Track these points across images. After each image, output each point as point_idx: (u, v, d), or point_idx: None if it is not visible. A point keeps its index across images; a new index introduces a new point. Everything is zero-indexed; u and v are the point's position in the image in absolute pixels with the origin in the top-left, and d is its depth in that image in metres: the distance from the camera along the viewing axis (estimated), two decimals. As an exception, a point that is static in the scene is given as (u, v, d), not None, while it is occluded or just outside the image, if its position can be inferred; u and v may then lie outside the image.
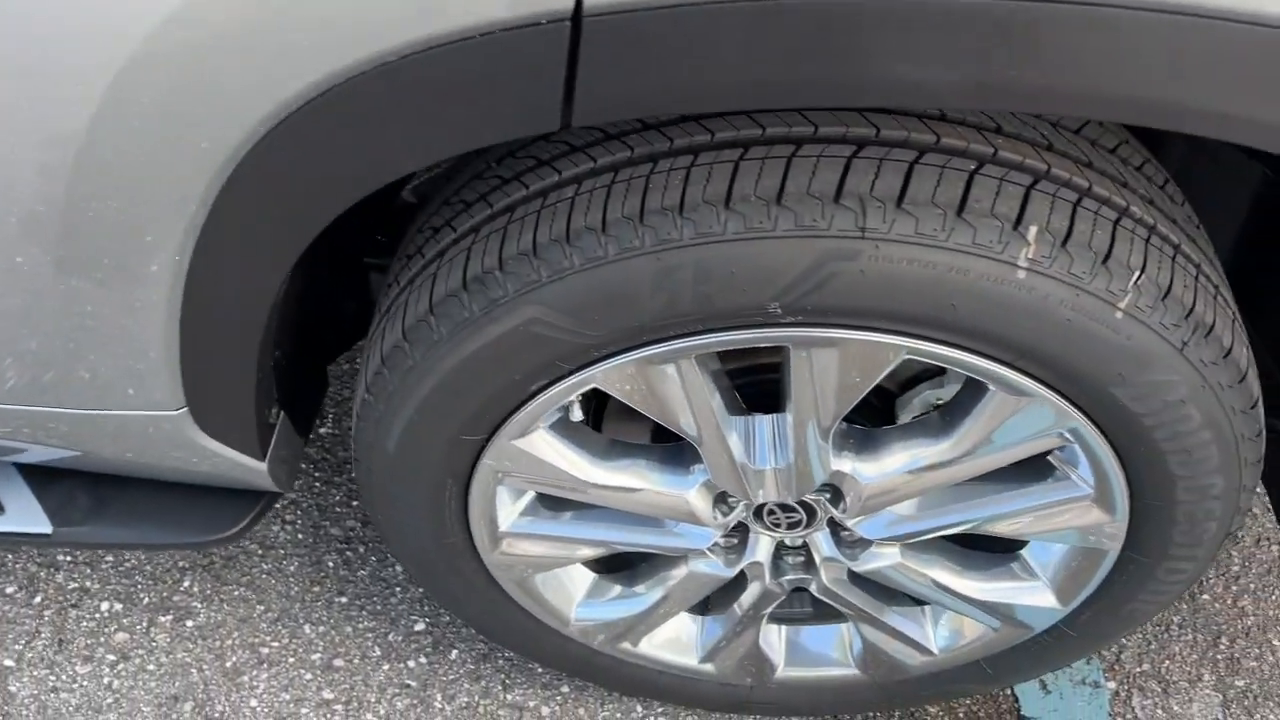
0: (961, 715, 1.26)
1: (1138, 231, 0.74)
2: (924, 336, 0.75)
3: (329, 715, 1.23)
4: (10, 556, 1.32)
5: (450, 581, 1.04)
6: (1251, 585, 1.38)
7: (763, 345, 0.79)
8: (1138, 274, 0.73)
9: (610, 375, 0.81)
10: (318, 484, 1.42)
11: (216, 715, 1.22)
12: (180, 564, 1.33)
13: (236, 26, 0.60)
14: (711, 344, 0.78)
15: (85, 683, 1.24)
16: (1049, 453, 0.90)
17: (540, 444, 0.89)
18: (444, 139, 0.65)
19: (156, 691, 1.24)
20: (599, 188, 0.74)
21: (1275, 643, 1.33)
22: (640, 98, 0.63)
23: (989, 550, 1.04)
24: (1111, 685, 1.29)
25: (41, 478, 1.04)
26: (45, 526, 1.03)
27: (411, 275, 0.83)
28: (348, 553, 1.36)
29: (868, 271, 0.71)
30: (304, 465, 1.42)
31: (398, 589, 1.33)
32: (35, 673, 1.24)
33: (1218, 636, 1.33)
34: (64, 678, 1.24)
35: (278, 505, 1.38)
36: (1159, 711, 1.28)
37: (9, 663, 1.25)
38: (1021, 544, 1.01)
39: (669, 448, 0.95)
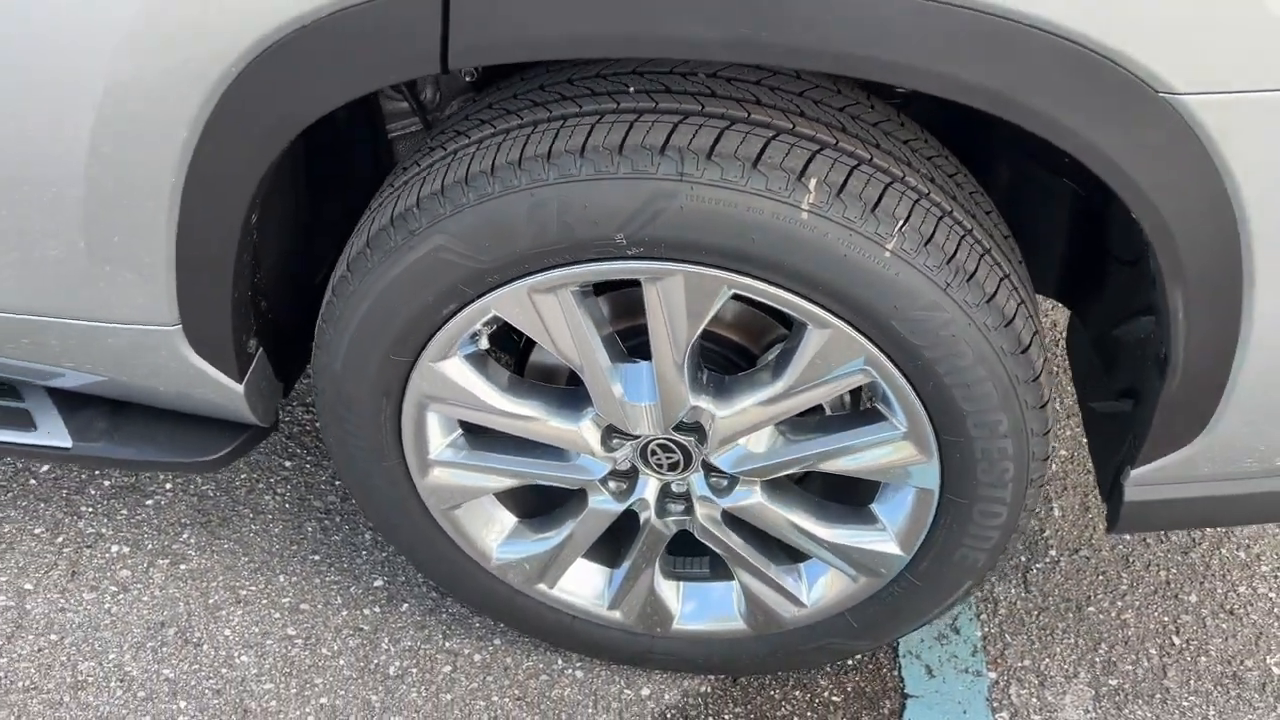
0: (850, 690, 1.40)
1: (907, 194, 0.95)
2: (737, 270, 0.96)
3: (289, 647, 1.41)
4: (42, 502, 1.55)
5: (389, 510, 1.24)
6: (1136, 602, 1.50)
7: (615, 278, 1.00)
8: (902, 223, 0.93)
9: (504, 302, 1.03)
10: (307, 465, 1.63)
11: (195, 640, 1.42)
12: (182, 519, 1.55)
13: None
14: (579, 274, 0.99)
15: (89, 607, 1.44)
16: (870, 399, 1.09)
17: (456, 370, 1.10)
18: (359, 79, 0.90)
19: (147, 618, 1.44)
20: (491, 144, 0.97)
21: (1152, 651, 1.45)
22: (495, 47, 0.87)
23: (843, 503, 1.21)
24: (992, 675, 1.42)
25: (68, 402, 1.28)
26: (67, 442, 1.26)
27: (360, 221, 1.07)
28: (325, 522, 1.56)
29: (685, 208, 0.93)
30: (295, 448, 1.65)
31: (364, 553, 1.52)
32: (49, 596, 1.45)
33: (1098, 642, 1.45)
34: (72, 601, 1.45)
35: (271, 479, 1.60)
36: (1034, 700, 1.40)
37: (28, 586, 1.46)
38: (871, 497, 1.18)
39: (568, 389, 1.16)
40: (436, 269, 1.01)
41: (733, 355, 1.16)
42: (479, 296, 1.03)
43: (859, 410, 1.17)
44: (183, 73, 0.91)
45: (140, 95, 0.94)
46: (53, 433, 1.27)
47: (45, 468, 1.60)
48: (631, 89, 0.97)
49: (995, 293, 0.98)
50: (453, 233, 0.98)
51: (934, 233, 0.95)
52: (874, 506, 1.18)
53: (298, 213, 1.18)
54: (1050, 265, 1.25)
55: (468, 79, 1.18)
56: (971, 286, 0.96)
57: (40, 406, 1.29)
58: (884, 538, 1.17)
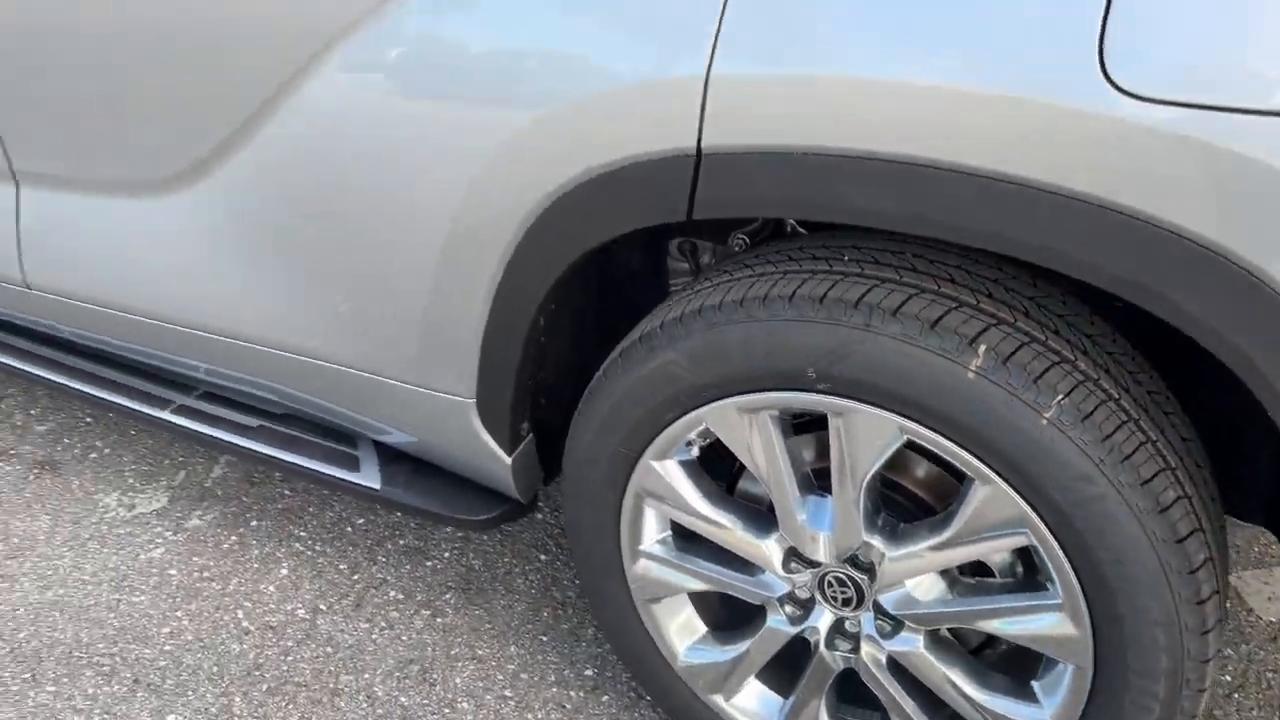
0: None
1: (1073, 374, 1.06)
2: (908, 415, 1.10)
3: (503, 705, 1.62)
4: (351, 546, 1.91)
5: (601, 583, 1.44)
6: None
7: (804, 408, 1.18)
8: (1062, 396, 1.05)
9: (714, 415, 1.23)
10: (557, 562, 1.88)
11: (431, 680, 1.66)
12: (449, 582, 1.83)
13: (535, 157, 1.18)
14: (774, 399, 1.18)
15: (361, 634, 1.74)
16: (1030, 565, 1.16)
17: (670, 471, 1.31)
18: (619, 221, 1.17)
19: (400, 654, 1.71)
20: (724, 286, 1.20)
21: None
22: (731, 204, 1.11)
23: (1007, 674, 1.26)
24: None
25: (385, 453, 1.62)
26: (376, 484, 1.60)
27: (624, 339, 1.33)
28: (559, 611, 1.79)
29: (868, 354, 1.09)
30: (552, 546, 1.90)
31: (583, 645, 1.72)
32: (334, 618, 1.77)
33: None
34: (350, 626, 1.76)
35: (526, 566, 1.86)
36: None
37: (323, 606, 1.79)
38: (1033, 674, 1.23)
39: (762, 511, 1.33)
40: (665, 380, 1.23)
41: (916, 508, 1.28)
42: (694, 408, 1.23)
43: (1025, 575, 1.24)
44: (512, 204, 1.23)
45: (481, 218, 1.26)
46: (368, 476, 1.61)
47: (361, 520, 1.96)
48: (846, 257, 1.17)
49: (1151, 479, 1.05)
50: (682, 351, 1.21)
51: (1093, 412, 1.04)
52: (1035, 683, 1.22)
53: (583, 328, 1.46)
54: (1256, 489, 1.27)
55: (737, 247, 1.44)
56: (1126, 468, 1.04)
57: (366, 455, 1.64)
58: (1038, 716, 1.21)
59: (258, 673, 1.67)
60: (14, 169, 1.68)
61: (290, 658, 1.70)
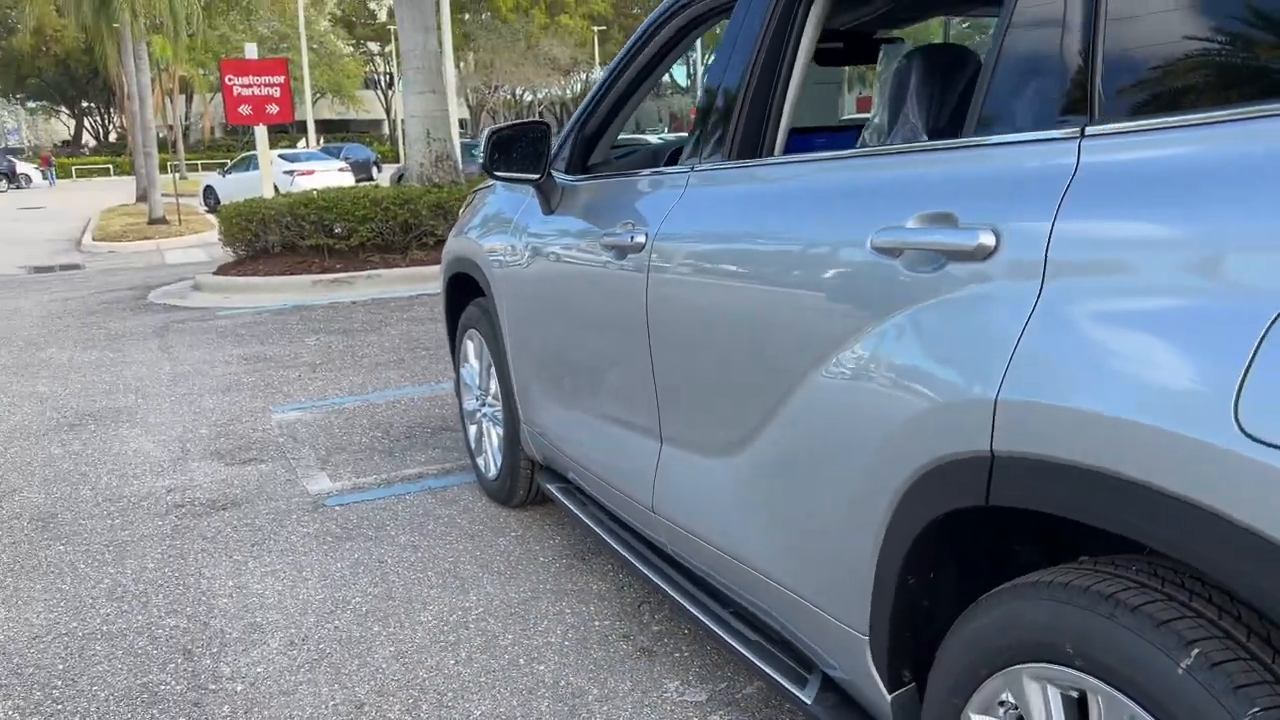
0: None
1: (1273, 693, 1.18)
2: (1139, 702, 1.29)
3: None
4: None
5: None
6: None
7: (1068, 683, 1.39)
8: (1257, 709, 1.17)
9: (1012, 677, 1.50)
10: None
11: None
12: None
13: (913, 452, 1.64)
14: (1047, 671, 1.42)
15: (785, 832, 2.13)
16: None
17: (987, 724, 1.57)
18: (946, 500, 1.55)
19: None
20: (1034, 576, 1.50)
21: None
22: (1021, 498, 1.44)
23: None
24: None
25: (828, 682, 2.06)
26: (808, 700, 2.04)
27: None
28: None
29: (1120, 647, 1.32)
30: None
31: None
32: None
33: None
34: (780, 824, 2.15)
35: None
36: None
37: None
38: None
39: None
40: (984, 643, 1.54)
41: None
42: (1001, 669, 1.52)
43: None
44: (896, 478, 1.69)
45: (878, 483, 1.74)
46: (807, 694, 2.06)
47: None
48: (1118, 563, 1.41)
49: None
50: (995, 618, 1.52)
51: (1276, 724, 1.15)
52: None
53: (955, 592, 1.77)
54: None
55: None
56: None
57: (813, 680, 2.09)
58: None
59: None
60: (662, 433, 2.57)
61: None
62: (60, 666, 2.93)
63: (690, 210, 2.41)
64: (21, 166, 44.37)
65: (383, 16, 53.25)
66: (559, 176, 3.20)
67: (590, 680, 2.74)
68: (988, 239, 1.52)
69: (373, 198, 10.59)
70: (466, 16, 50.05)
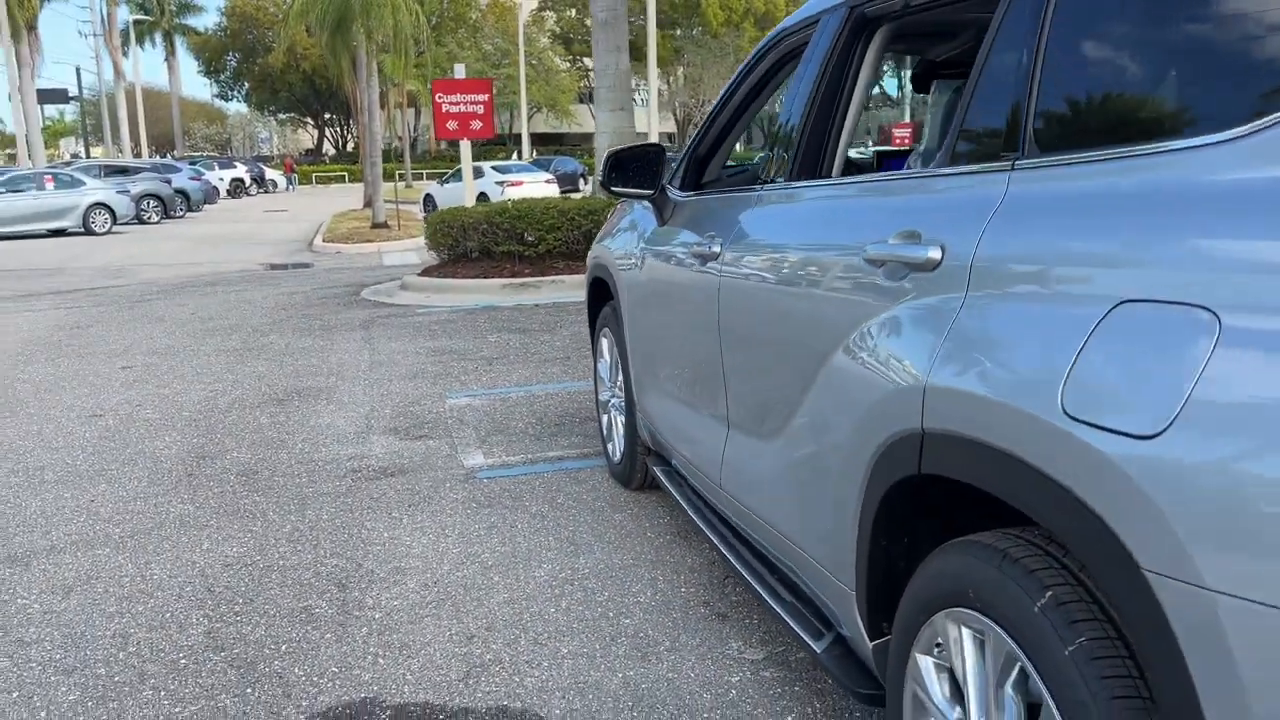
0: None
1: (1098, 622, 1.44)
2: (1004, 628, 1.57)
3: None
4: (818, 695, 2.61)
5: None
6: None
7: (978, 629, 1.68)
8: (1084, 639, 1.44)
9: (941, 623, 1.78)
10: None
11: (815, 807, 2.29)
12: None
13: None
14: (959, 615, 1.71)
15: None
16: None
17: (927, 665, 1.86)
18: (897, 471, 1.85)
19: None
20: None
21: None
22: (938, 467, 1.73)
23: None
24: None
25: (841, 641, 2.37)
26: (819, 650, 2.35)
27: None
28: None
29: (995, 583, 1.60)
30: None
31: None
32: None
33: None
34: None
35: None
36: None
37: (759, 657, 2.53)
38: None
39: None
40: (922, 593, 1.84)
41: None
42: (932, 614, 1.81)
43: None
44: (870, 448, 2.00)
45: (859, 451, 2.04)
46: (819, 646, 2.37)
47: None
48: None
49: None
50: (930, 572, 1.81)
51: (1096, 653, 1.41)
52: None
53: (920, 554, 2.05)
54: None
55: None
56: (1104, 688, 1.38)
57: (830, 636, 2.40)
58: None
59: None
60: (729, 419, 2.94)
61: None
62: (243, 588, 3.58)
63: (752, 224, 2.77)
64: (270, 173, 48.70)
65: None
66: (672, 192, 3.61)
67: (665, 634, 3.13)
68: (935, 253, 1.82)
69: (560, 208, 11.31)
70: (678, 32, 51.15)
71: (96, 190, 23.90)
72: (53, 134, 77.67)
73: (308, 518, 4.27)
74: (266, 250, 18.57)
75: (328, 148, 72.89)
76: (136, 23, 57.10)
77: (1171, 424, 1.26)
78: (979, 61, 1.91)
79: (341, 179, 55.48)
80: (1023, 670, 1.57)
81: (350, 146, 67.56)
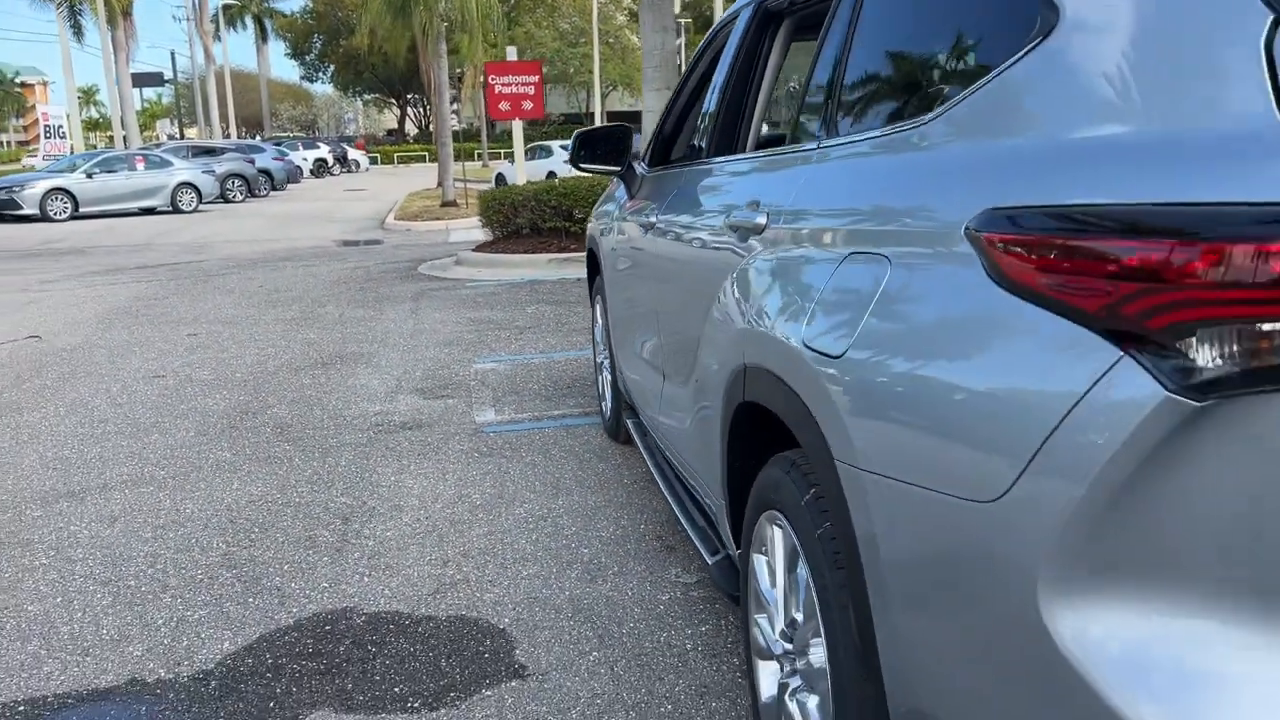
0: None
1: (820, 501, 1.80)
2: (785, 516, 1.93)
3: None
4: (708, 602, 2.98)
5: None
6: None
7: (780, 526, 2.04)
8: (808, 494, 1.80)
9: (763, 524, 2.15)
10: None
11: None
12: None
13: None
14: (770, 516, 2.08)
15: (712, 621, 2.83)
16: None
17: (757, 560, 2.23)
18: (738, 396, 2.21)
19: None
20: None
21: None
22: (752, 394, 2.10)
23: None
24: None
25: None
26: (710, 561, 2.73)
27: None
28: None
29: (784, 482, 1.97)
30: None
31: None
32: (680, 614, 2.89)
33: None
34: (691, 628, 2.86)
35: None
36: None
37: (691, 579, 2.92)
38: None
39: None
40: (754, 499, 2.21)
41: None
42: (758, 517, 2.18)
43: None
44: (727, 375, 2.36)
45: (720, 379, 2.41)
46: (711, 559, 2.75)
47: (760, 623, 3.02)
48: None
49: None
50: (759, 483, 2.18)
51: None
52: None
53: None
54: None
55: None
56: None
57: (721, 555, 2.78)
58: None
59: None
60: (664, 370, 3.32)
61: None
62: (260, 519, 4.08)
63: (674, 197, 3.15)
64: (352, 153, 50.05)
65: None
66: (640, 168, 3.98)
67: (615, 561, 3.54)
68: (761, 219, 2.18)
69: (604, 185, 11.71)
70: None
71: (183, 170, 25.10)
72: (149, 116, 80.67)
73: (328, 464, 4.77)
74: (340, 228, 19.36)
75: (410, 128, 74.39)
76: (226, 7, 59.06)
77: (850, 347, 1.62)
78: (813, 58, 2.26)
79: (422, 159, 56.74)
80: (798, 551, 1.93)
81: (431, 127, 68.82)
